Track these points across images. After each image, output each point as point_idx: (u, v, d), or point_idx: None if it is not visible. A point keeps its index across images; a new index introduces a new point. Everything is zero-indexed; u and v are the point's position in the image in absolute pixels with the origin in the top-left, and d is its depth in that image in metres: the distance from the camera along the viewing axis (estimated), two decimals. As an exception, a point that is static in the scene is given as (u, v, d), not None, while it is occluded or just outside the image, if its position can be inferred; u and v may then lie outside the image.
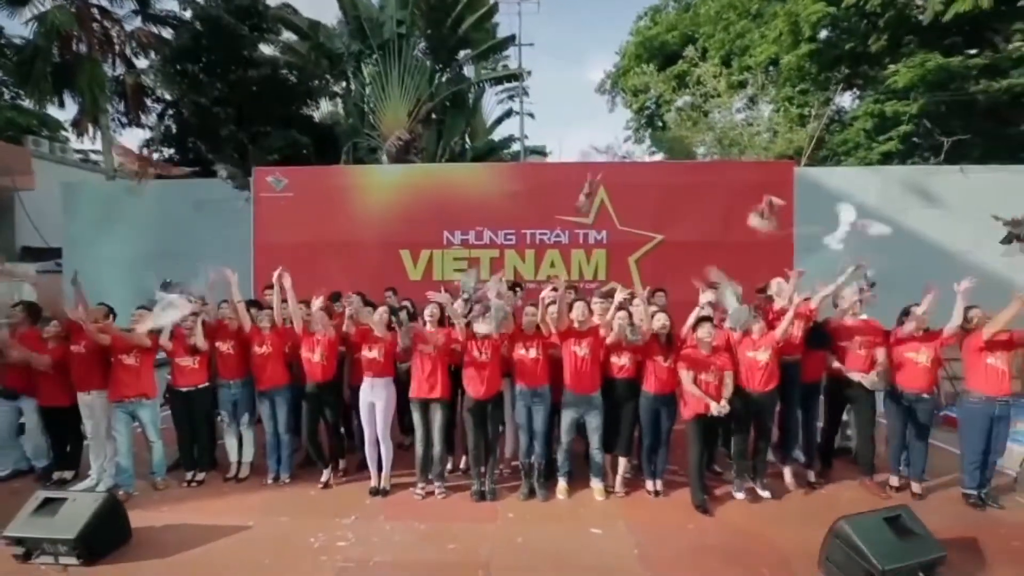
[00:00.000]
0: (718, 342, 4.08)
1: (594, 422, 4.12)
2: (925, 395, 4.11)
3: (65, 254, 8.92)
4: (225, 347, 4.47)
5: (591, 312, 4.23)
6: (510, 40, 13.26)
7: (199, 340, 4.35)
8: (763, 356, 3.99)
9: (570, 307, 4.19)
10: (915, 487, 4.21)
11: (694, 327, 4.02)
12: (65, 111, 14.10)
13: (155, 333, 4.33)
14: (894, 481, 4.32)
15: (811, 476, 4.40)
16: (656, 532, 3.69)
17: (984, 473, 3.99)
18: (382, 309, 4.37)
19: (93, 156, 20.87)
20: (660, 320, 4.11)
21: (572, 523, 3.85)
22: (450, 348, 4.25)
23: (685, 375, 3.94)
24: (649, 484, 4.29)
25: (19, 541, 3.27)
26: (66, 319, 4.41)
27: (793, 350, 4.21)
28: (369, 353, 4.22)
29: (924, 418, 4.13)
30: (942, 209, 7.75)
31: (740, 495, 4.12)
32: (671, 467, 4.44)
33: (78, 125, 13.61)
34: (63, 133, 21.63)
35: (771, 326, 4.19)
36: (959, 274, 7.33)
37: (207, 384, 4.51)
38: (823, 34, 12.20)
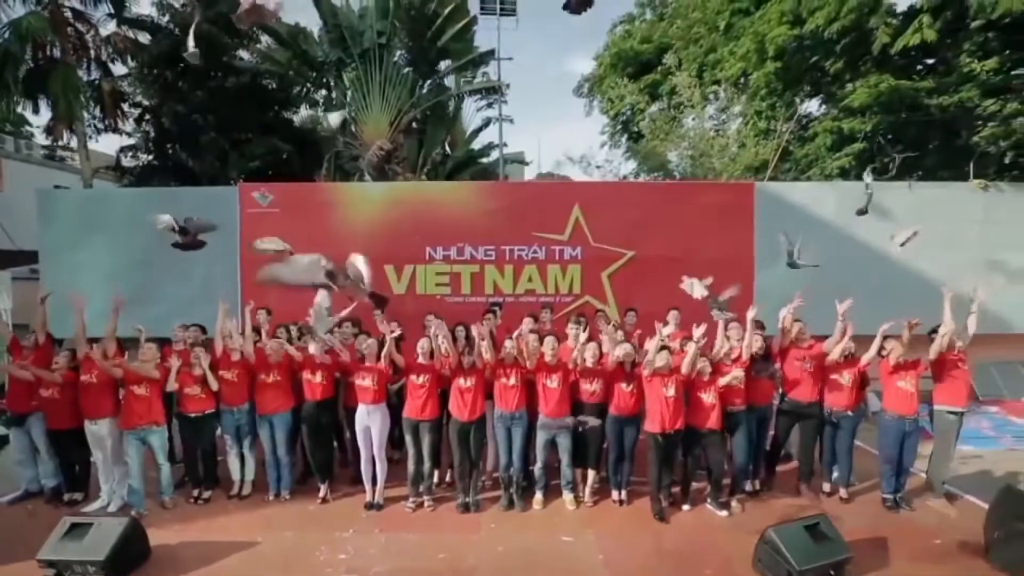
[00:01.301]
0: (675, 362, 4.62)
1: (565, 442, 4.67)
2: (849, 412, 4.74)
3: (42, 262, 8.79)
4: (230, 375, 4.84)
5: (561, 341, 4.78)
6: (490, 54, 13.65)
7: (211, 382, 4.72)
8: (710, 397, 4.53)
9: (542, 340, 4.70)
10: (842, 492, 4.88)
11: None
12: (38, 116, 13.70)
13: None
14: (826, 488, 4.98)
15: (755, 486, 5.01)
16: (619, 539, 4.25)
17: (899, 480, 4.66)
18: (372, 341, 4.79)
19: (61, 153, 20.46)
20: (624, 349, 4.64)
21: (546, 532, 4.38)
22: (441, 374, 4.72)
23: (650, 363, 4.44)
24: (615, 494, 4.86)
25: (51, 564, 3.64)
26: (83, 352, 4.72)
27: (734, 396, 4.68)
28: (363, 382, 4.66)
29: (848, 432, 4.77)
30: (891, 222, 8.46)
31: (687, 507, 4.71)
32: (636, 479, 4.99)
33: (52, 131, 13.47)
34: (27, 128, 21.14)
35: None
36: (904, 282, 8.04)
37: (214, 410, 4.89)
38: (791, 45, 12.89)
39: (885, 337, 4.62)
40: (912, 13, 11.22)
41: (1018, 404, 7.82)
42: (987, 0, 9.78)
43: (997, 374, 8.46)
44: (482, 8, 13.24)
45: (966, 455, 5.74)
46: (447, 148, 13.96)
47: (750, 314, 4.69)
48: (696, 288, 5.43)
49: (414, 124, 13.48)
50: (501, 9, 12.79)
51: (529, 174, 18.73)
